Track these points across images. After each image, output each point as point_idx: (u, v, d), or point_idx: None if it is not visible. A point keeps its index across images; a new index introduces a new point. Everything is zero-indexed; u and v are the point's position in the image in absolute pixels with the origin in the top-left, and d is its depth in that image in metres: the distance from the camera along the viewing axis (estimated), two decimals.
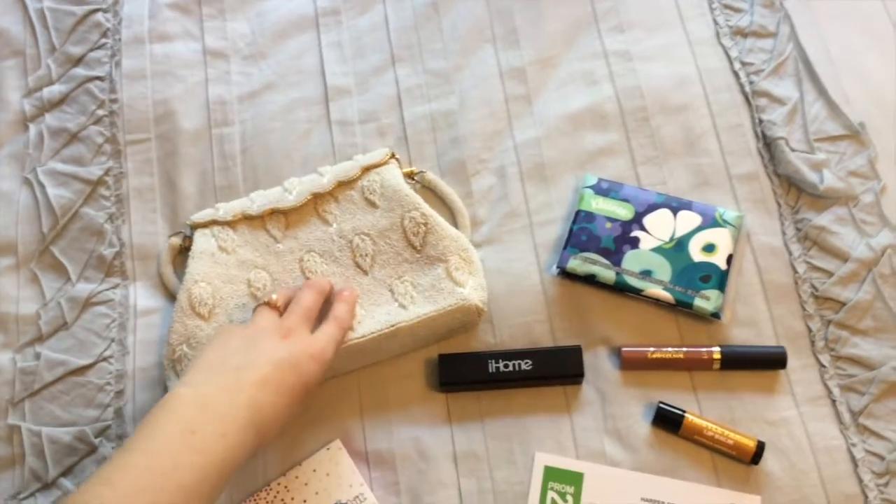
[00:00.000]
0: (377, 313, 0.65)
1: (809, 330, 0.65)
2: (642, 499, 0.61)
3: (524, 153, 0.73)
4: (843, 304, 0.65)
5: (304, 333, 0.58)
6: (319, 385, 0.58)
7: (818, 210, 0.68)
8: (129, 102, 0.77)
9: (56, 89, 0.77)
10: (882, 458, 0.61)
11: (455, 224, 0.71)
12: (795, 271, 0.67)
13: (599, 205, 0.69)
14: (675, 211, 0.68)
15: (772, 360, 0.64)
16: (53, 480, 0.64)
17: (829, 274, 0.66)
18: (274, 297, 0.61)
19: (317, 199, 0.70)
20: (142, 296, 0.70)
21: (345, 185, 0.70)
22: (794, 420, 0.63)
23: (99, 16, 0.81)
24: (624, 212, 0.68)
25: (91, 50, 0.79)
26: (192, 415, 0.51)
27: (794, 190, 0.70)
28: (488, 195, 0.72)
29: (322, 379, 0.57)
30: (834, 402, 0.63)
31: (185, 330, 0.65)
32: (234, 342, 0.57)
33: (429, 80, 0.77)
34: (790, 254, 0.68)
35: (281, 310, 0.60)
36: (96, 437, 0.65)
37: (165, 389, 0.65)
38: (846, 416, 0.62)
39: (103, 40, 0.80)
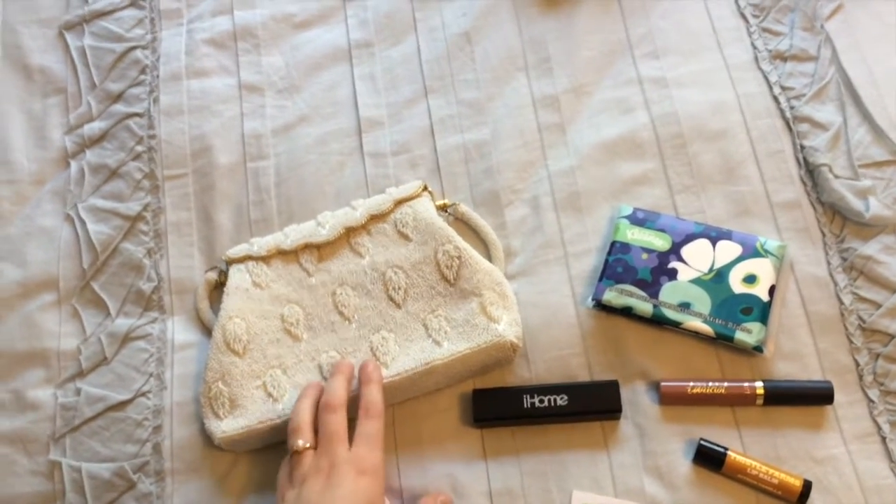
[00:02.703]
0: (411, 350, 0.65)
1: (857, 364, 0.63)
2: None
3: (558, 183, 0.72)
4: (893, 336, 0.63)
5: (344, 459, 0.55)
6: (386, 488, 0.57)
7: (864, 239, 0.66)
8: (166, 138, 0.78)
9: (96, 126, 0.79)
10: None
11: (489, 256, 0.70)
12: (841, 303, 0.65)
13: (635, 235, 0.68)
14: (714, 241, 0.66)
15: (818, 395, 0.62)
16: None
17: (877, 305, 0.64)
18: (300, 442, 0.57)
19: (350, 233, 0.70)
20: (179, 330, 0.71)
21: (377, 218, 0.70)
22: (841, 458, 0.60)
23: (137, 53, 0.82)
24: (661, 242, 0.67)
25: (130, 87, 0.81)
26: None
27: (838, 218, 0.68)
28: (522, 226, 0.72)
29: (381, 487, 0.55)
30: (884, 438, 0.61)
31: (221, 367, 0.65)
32: None
33: (461, 111, 0.77)
34: (836, 284, 0.65)
35: (313, 444, 0.57)
36: (135, 473, 0.65)
37: (202, 426, 0.65)
38: None
39: (142, 77, 0.81)
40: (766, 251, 0.65)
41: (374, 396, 0.59)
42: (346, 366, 0.62)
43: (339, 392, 0.60)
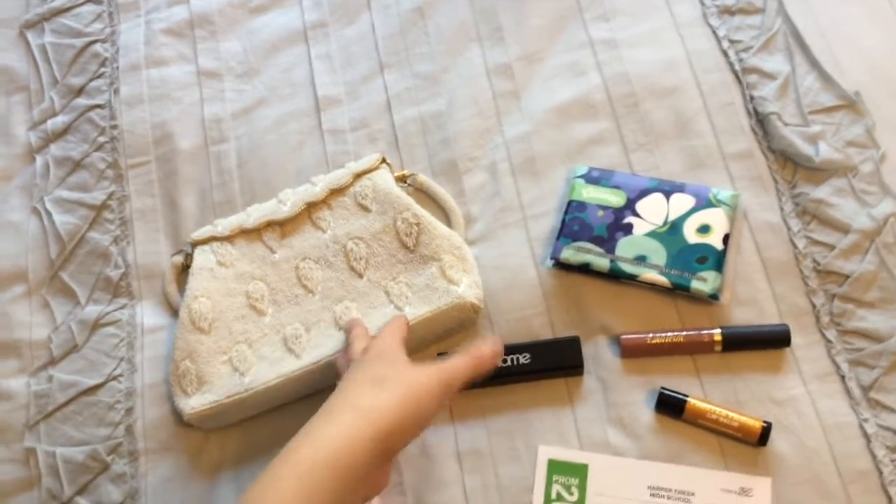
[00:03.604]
0: (374, 317, 0.66)
1: (813, 305, 0.64)
2: (649, 487, 0.60)
3: (514, 148, 0.73)
4: (847, 276, 0.63)
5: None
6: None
7: (816, 183, 0.67)
8: (128, 127, 0.79)
9: (59, 120, 0.80)
10: (895, 431, 0.59)
11: (449, 223, 0.71)
12: (795, 247, 0.65)
13: (590, 193, 0.68)
14: (667, 194, 0.67)
15: (775, 339, 0.63)
16: (69, 499, 0.65)
17: (831, 247, 0.65)
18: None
19: (311, 208, 0.71)
20: (148, 314, 0.72)
21: (337, 192, 0.71)
22: (802, 398, 0.61)
23: (97, 46, 0.83)
24: (616, 199, 0.68)
25: (91, 80, 0.82)
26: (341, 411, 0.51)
27: (790, 165, 0.68)
28: (480, 192, 0.72)
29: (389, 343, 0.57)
30: (843, 377, 0.61)
31: (188, 345, 0.66)
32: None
33: (417, 84, 0.78)
34: (789, 229, 0.66)
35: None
36: (108, 455, 0.66)
37: (174, 406, 0.66)
38: (856, 392, 0.61)
39: (102, 69, 0.82)
40: (720, 201, 0.66)
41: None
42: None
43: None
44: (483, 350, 0.57)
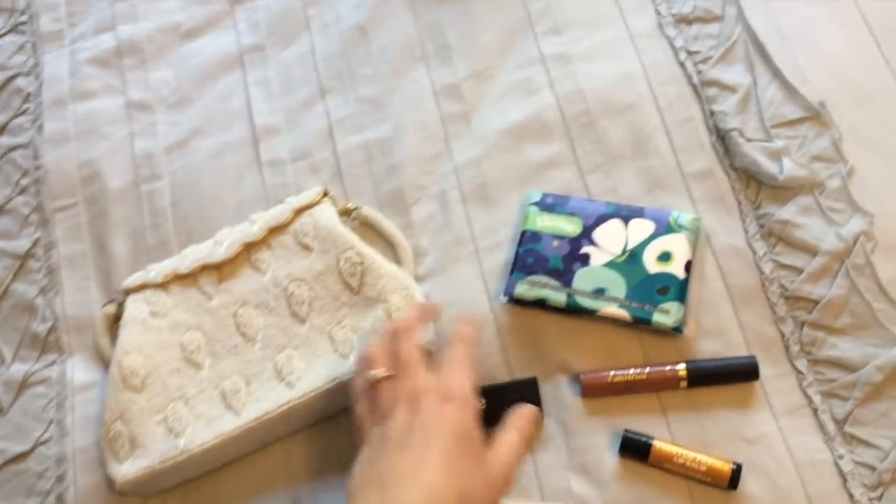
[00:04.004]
0: (318, 366, 0.61)
1: (782, 334, 0.60)
2: None
3: (465, 175, 0.69)
4: (816, 302, 0.60)
5: (425, 385, 0.49)
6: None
7: (781, 202, 0.63)
8: (53, 167, 0.74)
9: None
10: (873, 468, 0.55)
11: (397, 259, 0.67)
12: (762, 272, 0.62)
13: (545, 222, 0.64)
14: (625, 220, 0.63)
15: (743, 372, 0.59)
16: None
17: (799, 271, 0.61)
18: (377, 373, 0.51)
19: (249, 249, 0.67)
20: (79, 370, 0.67)
21: (277, 230, 0.67)
22: (773, 435, 0.57)
23: (20, 80, 0.78)
24: (571, 227, 0.64)
25: (13, 117, 0.77)
26: None
27: (753, 184, 0.65)
28: (430, 224, 0.68)
29: (474, 414, 0.49)
30: (815, 410, 0.58)
31: (119, 405, 0.62)
32: (371, 452, 0.48)
33: (360, 109, 0.73)
34: (755, 253, 0.62)
35: (391, 375, 0.51)
36: None
37: (105, 471, 0.62)
38: (830, 426, 0.57)
39: (25, 105, 0.77)
40: (680, 226, 0.62)
41: (461, 329, 0.55)
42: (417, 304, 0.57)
43: (409, 317, 0.55)
44: (525, 424, 0.52)
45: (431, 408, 0.48)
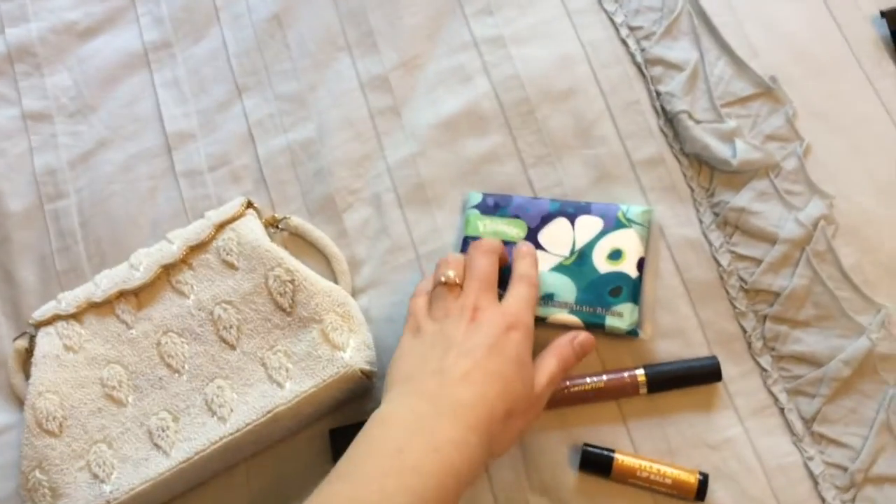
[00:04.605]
0: (250, 397, 0.56)
1: (744, 330, 0.57)
2: None
3: (399, 175, 0.64)
4: (778, 294, 0.56)
5: (491, 306, 0.51)
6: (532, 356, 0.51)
7: (736, 188, 0.59)
8: None
9: None
10: (844, 468, 0.53)
11: (332, 272, 0.62)
12: (719, 264, 0.58)
13: (488, 227, 0.60)
14: (572, 218, 0.59)
15: (704, 374, 0.56)
16: None
17: (758, 262, 0.57)
18: (451, 273, 0.53)
19: (169, 271, 0.61)
20: None
21: (198, 248, 0.61)
22: (739, 439, 0.54)
23: None
24: (516, 230, 0.59)
25: None
26: (397, 434, 0.45)
27: (705, 169, 0.61)
28: (365, 230, 0.63)
29: (531, 347, 0.50)
30: (782, 410, 0.55)
31: (36, 452, 0.56)
32: (423, 345, 0.50)
33: (281, 108, 0.67)
34: (711, 244, 0.59)
35: (461, 285, 0.53)
36: None
37: None
38: (798, 425, 0.54)
39: None
40: (630, 220, 0.58)
41: (528, 269, 0.55)
42: (494, 242, 0.56)
43: (494, 241, 0.56)
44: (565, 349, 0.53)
45: (496, 330, 0.49)
